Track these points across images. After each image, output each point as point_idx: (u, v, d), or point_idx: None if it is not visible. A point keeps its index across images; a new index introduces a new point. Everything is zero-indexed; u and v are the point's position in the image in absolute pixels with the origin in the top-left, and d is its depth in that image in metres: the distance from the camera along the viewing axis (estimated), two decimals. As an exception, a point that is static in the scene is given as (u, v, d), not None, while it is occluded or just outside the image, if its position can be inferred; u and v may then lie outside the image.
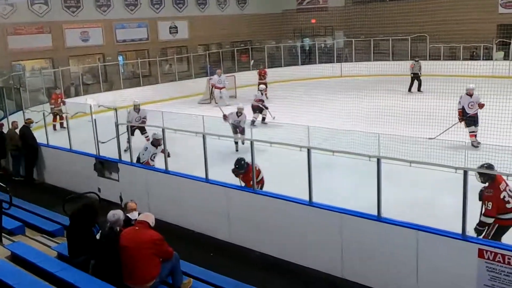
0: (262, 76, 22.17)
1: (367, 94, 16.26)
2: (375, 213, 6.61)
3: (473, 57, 25.96)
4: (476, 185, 6.49)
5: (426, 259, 6.19)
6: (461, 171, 5.86)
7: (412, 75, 21.36)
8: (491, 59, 24.59)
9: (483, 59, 24.91)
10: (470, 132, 12.12)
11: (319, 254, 7.16)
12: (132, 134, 12.12)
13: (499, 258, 5.62)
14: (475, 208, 6.27)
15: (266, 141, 8.66)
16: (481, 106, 12.24)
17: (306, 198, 7.22)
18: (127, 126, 10.84)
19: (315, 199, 7.23)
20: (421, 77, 21.32)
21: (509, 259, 5.55)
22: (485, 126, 11.11)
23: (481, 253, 5.74)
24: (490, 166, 6.55)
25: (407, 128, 10.88)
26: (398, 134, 9.24)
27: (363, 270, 6.78)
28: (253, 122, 15.04)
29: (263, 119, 16.15)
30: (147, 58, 25.53)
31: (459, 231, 5.95)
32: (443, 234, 6.05)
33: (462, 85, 16.64)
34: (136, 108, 13.97)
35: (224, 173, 9.00)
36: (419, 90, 20.90)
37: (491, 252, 5.67)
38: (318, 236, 7.13)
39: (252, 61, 25.73)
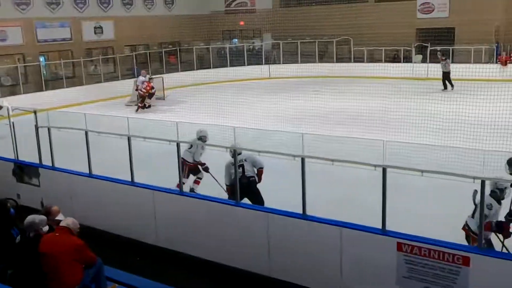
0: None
1: (294, 95, 16.57)
2: (300, 211, 6.73)
3: (394, 59, 27.14)
4: (394, 183, 6.76)
5: (350, 254, 6.37)
6: (380, 169, 6.08)
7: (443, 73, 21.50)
8: (411, 62, 25.82)
9: (403, 62, 26.11)
10: None
11: (247, 254, 7.19)
12: None
13: (415, 250, 5.89)
14: (394, 204, 6.52)
15: (192, 143, 8.60)
16: None
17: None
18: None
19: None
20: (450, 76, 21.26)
21: (424, 251, 5.82)
22: (404, 124, 11.62)
23: (399, 247, 5.99)
24: None
25: (331, 128, 11.19)
26: (323, 134, 9.48)
27: (290, 268, 6.88)
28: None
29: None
30: (70, 59, 24.68)
31: (380, 226, 6.17)
32: (364, 230, 6.26)
33: (383, 86, 17.39)
34: None
35: (150, 175, 8.87)
36: (445, 87, 21.11)
37: (408, 245, 5.92)
38: (245, 236, 7.16)
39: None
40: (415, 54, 26.37)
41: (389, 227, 6.17)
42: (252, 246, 7.13)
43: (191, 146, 9.63)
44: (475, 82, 19.89)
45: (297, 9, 29.48)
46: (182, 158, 8.78)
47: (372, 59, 27.41)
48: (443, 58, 21.85)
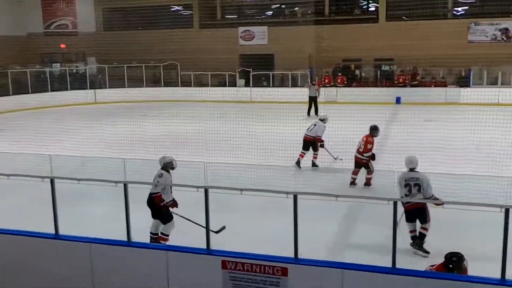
0: None
1: (121, 120, 16.22)
2: (126, 238, 6.56)
3: (220, 84, 28.17)
4: (217, 202, 6.97)
5: (177, 277, 6.35)
6: (202, 190, 6.22)
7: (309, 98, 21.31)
8: (236, 86, 27.06)
9: (228, 86, 27.23)
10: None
11: (70, 289, 6.78)
12: None
13: (239, 266, 6.10)
14: (219, 223, 6.72)
15: (2, 174, 7.90)
16: None
17: (52, 231, 6.80)
18: None
19: (62, 231, 6.85)
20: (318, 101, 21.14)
21: (247, 266, 6.06)
22: (229, 145, 12.07)
23: (224, 264, 6.15)
24: (375, 127, 10.59)
25: (158, 152, 11.12)
26: (149, 158, 9.40)
27: (117, 299, 6.64)
28: None
29: None
30: None
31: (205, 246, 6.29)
32: (189, 251, 6.31)
33: (210, 109, 17.91)
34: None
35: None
36: (316, 113, 20.74)
37: (232, 262, 6.12)
38: (68, 270, 6.74)
39: None
40: (239, 79, 27.69)
41: (214, 246, 6.32)
42: (76, 279, 6.73)
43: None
44: (294, 104, 21.60)
45: (122, 33, 29.08)
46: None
47: (200, 83, 28.10)
48: (313, 83, 22.74)
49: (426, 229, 7.41)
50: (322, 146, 12.03)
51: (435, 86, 25.04)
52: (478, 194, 8.68)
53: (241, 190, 6.96)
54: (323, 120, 12.39)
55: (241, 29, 29.14)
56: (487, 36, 25.61)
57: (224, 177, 7.98)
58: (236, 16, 30.69)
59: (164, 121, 16.38)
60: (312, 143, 12.00)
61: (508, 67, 24.88)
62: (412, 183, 7.45)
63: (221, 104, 22.06)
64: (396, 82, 26.05)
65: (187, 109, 17.26)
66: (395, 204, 5.68)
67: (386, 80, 26.98)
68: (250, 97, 25.27)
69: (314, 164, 11.99)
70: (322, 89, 25.43)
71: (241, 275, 6.09)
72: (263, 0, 30.37)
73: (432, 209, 7.95)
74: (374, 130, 10.60)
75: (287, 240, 5.91)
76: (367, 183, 10.51)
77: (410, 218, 7.38)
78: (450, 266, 5.58)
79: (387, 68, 27.71)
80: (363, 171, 10.44)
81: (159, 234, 7.70)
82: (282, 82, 27.57)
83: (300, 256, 5.96)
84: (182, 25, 29.31)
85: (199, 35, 28.41)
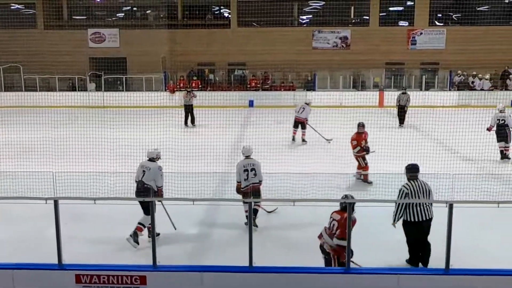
0: None
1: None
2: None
3: (70, 88, 26.75)
4: (70, 213, 6.60)
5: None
6: (52, 201, 5.87)
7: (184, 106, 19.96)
8: (87, 90, 25.90)
9: (79, 90, 25.97)
10: None
11: None
12: None
13: (95, 279, 5.85)
14: (71, 233, 6.37)
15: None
16: None
17: None
18: None
19: None
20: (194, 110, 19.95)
21: (103, 278, 5.85)
22: (80, 152, 11.53)
23: (78, 279, 5.87)
24: (358, 124, 11.30)
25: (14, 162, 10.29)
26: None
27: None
28: None
29: None
30: None
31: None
32: (39, 268, 5.93)
33: (59, 115, 16.88)
34: None
35: None
36: (192, 123, 19.73)
37: (87, 275, 5.86)
38: None
39: None
40: (90, 83, 26.57)
41: (66, 259, 5.98)
42: None
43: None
44: (149, 109, 21.28)
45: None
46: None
47: (47, 87, 26.39)
48: (188, 90, 21.89)
49: (259, 206, 8.52)
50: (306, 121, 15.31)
51: (285, 89, 26.39)
52: (324, 190, 9.38)
53: (95, 199, 6.68)
54: (308, 104, 15.57)
55: (90, 31, 27.95)
56: (329, 43, 27.68)
57: (76, 186, 7.59)
58: (85, 17, 29.35)
59: (5, 129, 15.12)
60: (301, 123, 15.29)
61: (348, 72, 27.18)
62: (250, 168, 8.40)
63: (70, 109, 20.92)
64: (248, 86, 26.97)
65: (32, 116, 16.07)
66: (250, 205, 5.90)
67: (239, 84, 27.82)
68: (102, 101, 24.30)
69: (303, 140, 15.30)
70: (177, 93, 25.39)
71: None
72: (113, 2, 29.44)
73: (286, 208, 8.43)
74: (358, 127, 11.39)
75: (145, 247, 5.82)
76: (365, 179, 11.14)
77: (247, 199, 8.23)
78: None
79: (239, 72, 28.62)
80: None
81: (138, 225, 7.45)
82: (136, 86, 27.00)
83: (158, 263, 5.90)
84: (24, 25, 27.25)
85: (44, 36, 26.66)
